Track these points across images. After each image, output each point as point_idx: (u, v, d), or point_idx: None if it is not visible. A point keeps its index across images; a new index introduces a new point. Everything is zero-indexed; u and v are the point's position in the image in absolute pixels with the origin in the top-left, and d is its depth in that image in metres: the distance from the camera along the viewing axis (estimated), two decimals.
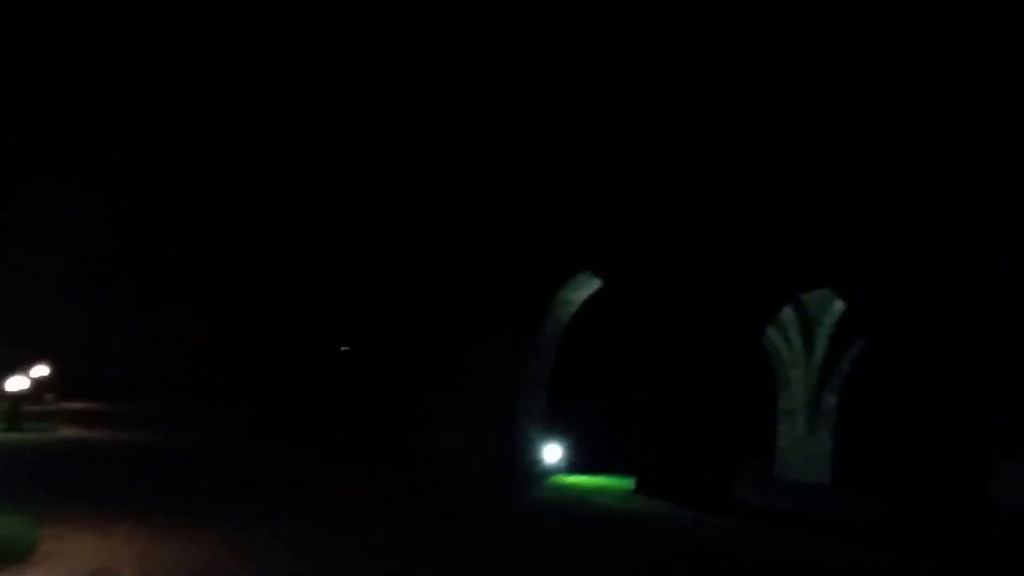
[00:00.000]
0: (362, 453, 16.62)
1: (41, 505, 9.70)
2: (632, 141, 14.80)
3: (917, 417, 13.27)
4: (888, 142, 12.96)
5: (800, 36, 13.38)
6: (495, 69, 15.80)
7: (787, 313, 18.54)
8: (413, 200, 16.22)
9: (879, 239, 13.33)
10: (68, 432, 17.39)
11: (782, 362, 19.46)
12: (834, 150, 13.43)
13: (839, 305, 17.97)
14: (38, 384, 21.37)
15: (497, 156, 16.17)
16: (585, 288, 15.72)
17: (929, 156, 12.65)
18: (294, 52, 18.11)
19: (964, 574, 10.48)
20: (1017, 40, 11.57)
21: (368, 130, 17.75)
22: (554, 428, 16.80)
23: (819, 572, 10.04)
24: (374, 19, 16.48)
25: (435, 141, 16.38)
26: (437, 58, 16.21)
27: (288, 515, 10.60)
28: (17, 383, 18.91)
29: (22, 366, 20.27)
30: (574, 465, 17.04)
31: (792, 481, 18.47)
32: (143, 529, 9.12)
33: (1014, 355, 12.65)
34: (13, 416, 17.18)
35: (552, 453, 16.69)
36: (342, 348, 28.04)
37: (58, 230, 26.13)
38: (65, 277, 25.97)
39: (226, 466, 14.52)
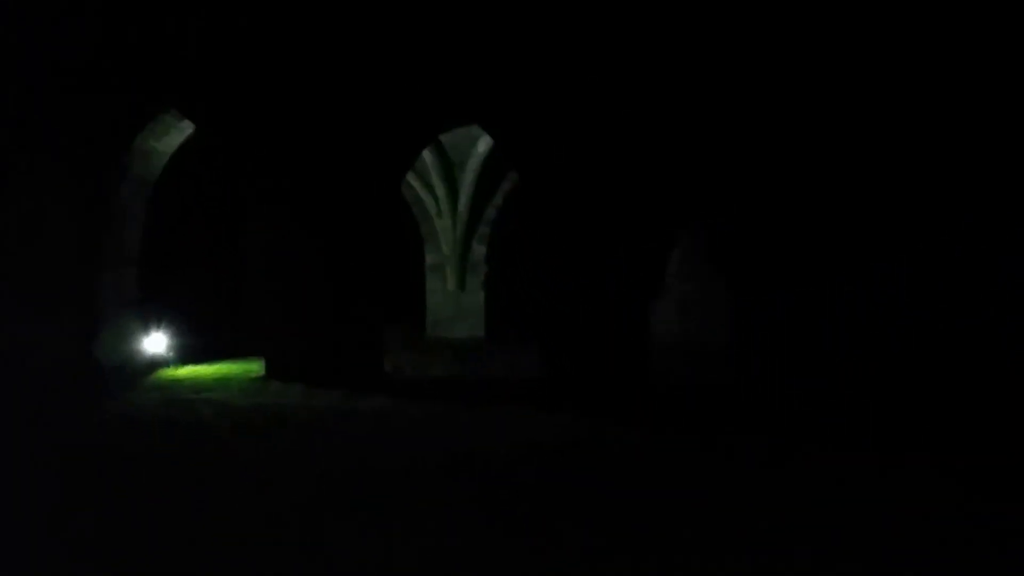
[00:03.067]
0: None
1: None
2: None
3: (564, 260, 12.11)
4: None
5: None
6: None
7: (428, 158, 16.68)
8: None
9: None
10: None
11: (427, 214, 17.73)
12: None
13: (484, 146, 16.42)
14: None
15: None
16: (174, 134, 12.44)
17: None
18: None
19: (627, 425, 9.35)
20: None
21: None
22: (159, 312, 13.74)
23: (486, 448, 8.31)
24: None
25: None
26: None
27: None
28: None
29: None
30: (190, 353, 14.15)
31: (445, 340, 17.22)
32: None
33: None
34: None
35: (156, 342, 13.67)
36: None
37: None
38: None
39: None
